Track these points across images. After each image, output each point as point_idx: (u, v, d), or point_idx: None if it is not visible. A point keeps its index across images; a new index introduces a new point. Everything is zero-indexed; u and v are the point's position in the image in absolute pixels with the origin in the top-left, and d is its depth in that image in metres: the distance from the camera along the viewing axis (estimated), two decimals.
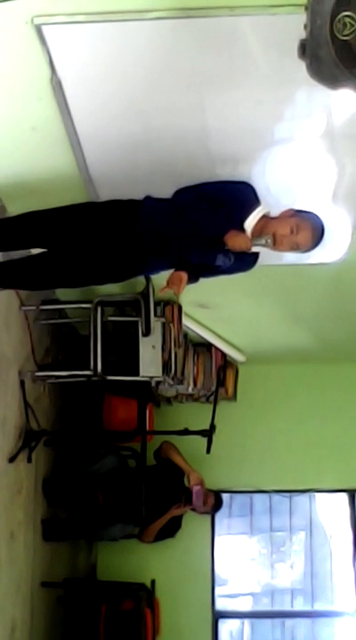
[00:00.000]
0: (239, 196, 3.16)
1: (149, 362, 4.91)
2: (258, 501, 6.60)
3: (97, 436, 5.55)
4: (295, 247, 3.15)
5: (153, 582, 5.77)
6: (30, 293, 4.42)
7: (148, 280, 4.45)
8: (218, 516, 6.11)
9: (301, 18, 2.00)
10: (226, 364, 5.99)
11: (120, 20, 2.63)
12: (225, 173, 3.43)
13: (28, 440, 4.37)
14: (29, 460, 4.41)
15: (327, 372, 6.28)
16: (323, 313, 5.25)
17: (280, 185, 3.55)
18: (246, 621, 6.68)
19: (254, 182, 3.27)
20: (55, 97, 3.05)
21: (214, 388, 5.55)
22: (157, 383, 5.36)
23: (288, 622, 6.63)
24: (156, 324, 4.79)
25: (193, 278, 3.41)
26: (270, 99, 3.00)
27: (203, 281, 3.48)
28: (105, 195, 3.59)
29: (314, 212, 3.20)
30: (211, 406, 4.77)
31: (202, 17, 2.60)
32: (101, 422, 5.51)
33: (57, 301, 4.88)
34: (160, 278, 3.49)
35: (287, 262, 4.12)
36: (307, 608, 6.60)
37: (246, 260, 3.34)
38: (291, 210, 3.18)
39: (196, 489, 5.33)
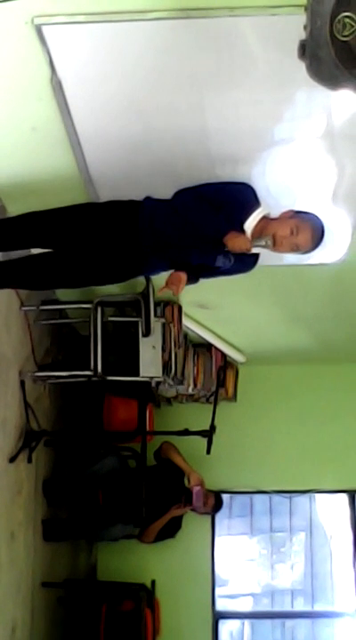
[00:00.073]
0: (239, 197, 3.16)
1: (150, 362, 4.92)
2: (258, 502, 6.60)
3: (97, 436, 5.55)
4: (295, 248, 3.14)
5: (153, 583, 5.77)
6: (30, 293, 4.42)
7: (148, 280, 4.46)
8: (218, 516, 6.11)
9: (301, 18, 2.00)
10: (226, 364, 5.99)
11: (120, 20, 2.63)
12: (225, 174, 3.43)
13: (28, 440, 4.37)
14: (30, 461, 4.41)
15: (328, 373, 6.28)
16: (323, 313, 5.25)
17: (280, 185, 3.55)
18: (247, 622, 6.67)
19: (254, 183, 3.27)
20: (55, 97, 3.05)
21: (214, 389, 5.55)
22: (158, 383, 5.37)
23: (288, 623, 6.63)
24: (156, 325, 4.79)
25: (193, 279, 3.41)
26: (269, 99, 3.00)
27: (203, 281, 3.48)
28: (105, 195, 3.59)
29: (314, 213, 3.19)
30: (211, 407, 4.77)
31: (202, 17, 2.60)
32: (102, 423, 5.51)
33: (57, 302, 4.89)
34: (160, 278, 3.49)
35: (287, 263, 4.12)
36: (307, 609, 6.59)
37: (246, 262, 3.34)
38: (291, 211, 3.18)
39: (196, 489, 5.33)
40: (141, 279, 4.34)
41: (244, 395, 6.15)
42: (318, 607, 6.56)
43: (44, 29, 2.69)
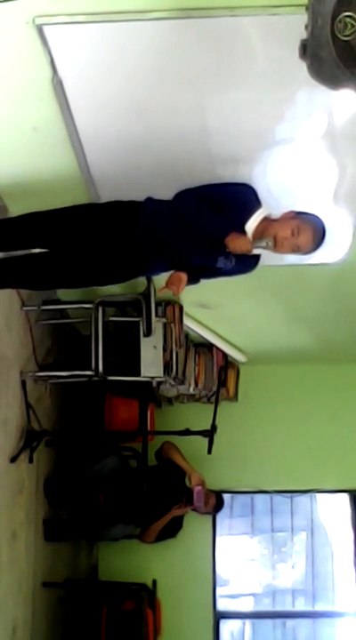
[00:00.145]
0: (240, 199, 3.16)
1: (151, 362, 4.92)
2: (259, 502, 6.60)
3: (98, 436, 5.55)
4: (296, 249, 3.14)
5: (154, 582, 5.77)
6: (31, 293, 4.42)
7: (149, 280, 4.46)
8: (219, 516, 6.11)
9: (302, 18, 1.99)
10: (227, 364, 5.99)
11: (121, 20, 2.63)
12: (226, 174, 3.43)
13: (29, 440, 4.37)
14: (31, 461, 4.41)
15: (329, 373, 6.28)
16: (324, 313, 5.24)
17: (281, 185, 3.55)
18: (248, 622, 6.68)
19: (255, 183, 3.27)
20: (56, 97, 3.05)
21: (215, 389, 5.55)
22: (159, 383, 5.37)
23: (289, 623, 6.63)
24: (157, 325, 4.79)
25: (194, 279, 3.41)
26: (270, 99, 3.00)
27: (204, 281, 3.49)
28: (106, 195, 3.59)
29: (315, 214, 3.19)
30: (212, 406, 4.77)
31: (203, 17, 2.60)
32: (103, 422, 5.51)
33: (58, 302, 4.89)
34: (161, 278, 3.49)
35: (288, 263, 4.12)
36: (308, 608, 6.59)
37: (247, 263, 3.34)
38: (292, 212, 3.17)
39: (197, 489, 5.33)
40: (142, 279, 4.34)
41: (245, 394, 6.16)
42: (319, 607, 6.55)
43: (46, 29, 2.69)
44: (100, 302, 4.63)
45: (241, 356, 6.03)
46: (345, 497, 6.32)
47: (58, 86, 2.98)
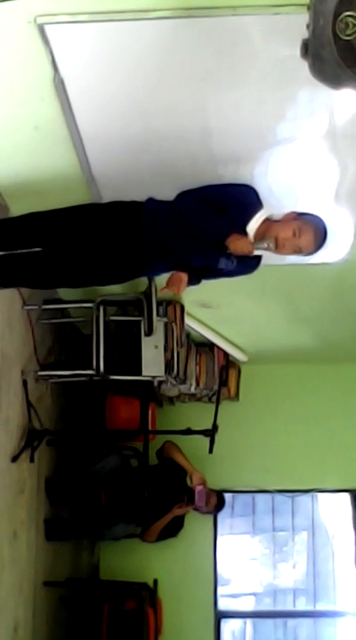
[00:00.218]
0: (242, 200, 3.16)
1: (152, 361, 4.91)
2: (260, 501, 6.60)
3: (99, 435, 5.55)
4: (298, 250, 3.14)
5: (155, 582, 5.78)
6: (33, 292, 4.42)
7: (150, 280, 4.45)
8: (220, 515, 6.11)
9: (303, 17, 2.00)
10: (228, 363, 5.99)
11: (123, 19, 2.63)
12: (227, 173, 3.43)
13: (30, 439, 4.38)
14: (32, 460, 4.41)
15: (330, 372, 6.28)
16: (326, 313, 5.24)
17: (282, 185, 3.55)
18: (249, 621, 6.68)
19: (256, 182, 3.27)
20: (58, 96, 3.05)
21: (216, 388, 5.56)
22: (160, 383, 5.36)
23: (291, 622, 6.63)
24: (158, 324, 4.79)
25: (195, 280, 3.42)
26: (272, 98, 3.00)
27: (205, 282, 3.49)
28: (107, 194, 3.59)
29: (317, 215, 3.19)
30: (213, 406, 4.78)
31: (204, 17, 2.60)
32: (104, 422, 5.52)
33: (59, 301, 4.89)
34: (162, 278, 3.49)
35: (289, 262, 4.12)
36: (309, 608, 6.59)
37: (248, 263, 3.34)
38: (294, 213, 3.17)
39: (198, 489, 5.33)
40: (144, 278, 4.34)
41: (246, 394, 6.16)
42: (320, 606, 6.56)
43: (47, 28, 2.68)
44: (101, 301, 4.63)
45: (242, 356, 6.03)
46: (346, 496, 6.32)
47: (59, 86, 2.98)
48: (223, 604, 6.24)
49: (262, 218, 3.14)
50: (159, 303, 4.86)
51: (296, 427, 6.21)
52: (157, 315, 4.72)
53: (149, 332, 4.62)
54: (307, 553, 6.76)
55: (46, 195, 3.65)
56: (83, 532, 5.43)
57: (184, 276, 3.31)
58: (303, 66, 2.03)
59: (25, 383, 4.37)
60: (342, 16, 1.86)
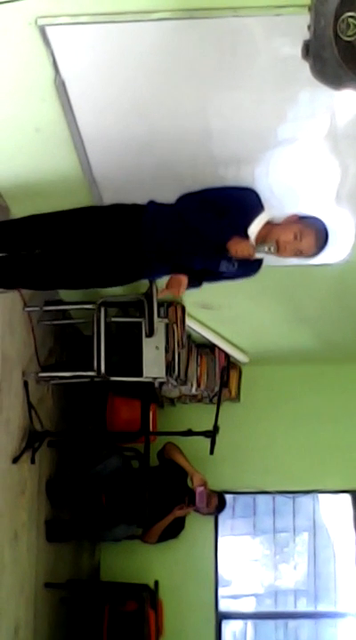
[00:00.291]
0: (243, 202, 3.16)
1: (153, 362, 4.91)
2: (261, 502, 6.59)
3: (100, 436, 5.55)
4: (299, 253, 3.14)
5: (156, 583, 5.77)
6: (34, 294, 4.42)
7: (151, 281, 4.45)
8: (221, 517, 6.11)
9: (305, 18, 1.99)
10: (229, 364, 5.99)
11: (124, 20, 2.63)
12: (228, 175, 3.43)
13: (31, 441, 4.37)
14: (33, 461, 4.41)
15: (331, 373, 6.28)
16: (327, 314, 5.24)
17: (283, 186, 3.55)
18: (250, 622, 6.67)
19: (257, 184, 3.28)
20: (59, 98, 3.05)
21: (217, 389, 5.56)
22: (161, 384, 5.36)
23: (292, 623, 6.62)
24: (159, 325, 4.78)
25: (195, 283, 3.42)
26: (273, 99, 3.00)
27: (206, 284, 3.49)
28: (109, 196, 3.59)
29: (319, 218, 3.19)
30: (214, 407, 4.77)
31: (206, 18, 2.60)
32: (105, 423, 5.51)
33: (60, 302, 4.88)
34: (164, 279, 3.50)
35: (290, 263, 4.09)
36: (310, 609, 6.59)
37: (250, 266, 3.33)
38: (295, 215, 3.17)
39: (199, 490, 5.33)
40: (145, 280, 4.33)
41: (247, 395, 6.15)
42: (321, 607, 6.55)
43: (48, 30, 2.69)
44: (102, 303, 4.62)
45: (243, 357, 6.03)
46: (347, 497, 6.32)
47: (60, 87, 2.98)
48: (224, 606, 6.24)
49: (264, 221, 3.14)
50: (160, 304, 4.85)
51: (297, 428, 6.20)
52: (158, 316, 4.72)
53: (150, 334, 4.62)
54: (308, 554, 6.75)
55: (47, 196, 3.65)
56: (84, 534, 5.43)
57: (184, 279, 3.31)
58: (304, 67, 2.03)
59: (26, 384, 4.37)
60: (343, 17, 1.86)
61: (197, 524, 5.84)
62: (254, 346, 5.96)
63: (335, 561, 6.67)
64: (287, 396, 6.29)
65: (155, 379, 5.03)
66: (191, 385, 5.62)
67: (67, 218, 3.28)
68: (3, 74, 2.95)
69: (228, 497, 5.85)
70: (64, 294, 4.84)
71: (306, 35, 1.98)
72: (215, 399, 5.24)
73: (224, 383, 5.78)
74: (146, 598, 5.50)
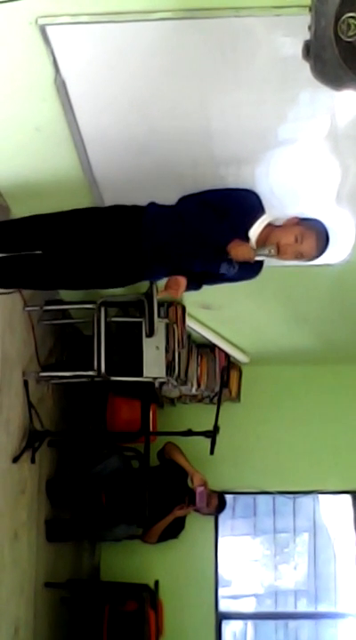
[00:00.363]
0: (244, 205, 3.15)
1: (153, 362, 4.91)
2: (262, 503, 6.59)
3: (100, 436, 5.55)
4: (300, 256, 3.14)
5: (156, 583, 5.77)
6: (34, 294, 4.42)
7: (151, 281, 4.45)
8: (221, 517, 6.11)
9: (305, 19, 1.99)
10: (230, 364, 5.99)
11: (124, 20, 2.63)
12: (228, 175, 3.43)
13: (31, 440, 4.38)
14: (33, 461, 4.41)
15: (331, 374, 6.28)
16: (327, 314, 5.24)
17: (284, 186, 3.55)
18: (250, 623, 6.67)
19: (257, 184, 3.27)
20: (59, 97, 3.05)
21: (217, 389, 5.55)
22: (161, 384, 5.36)
23: (292, 624, 6.62)
24: (159, 325, 4.78)
25: (195, 285, 3.41)
26: (273, 99, 3.00)
27: (207, 286, 3.49)
28: (109, 196, 3.59)
29: (319, 220, 3.18)
30: (214, 407, 4.78)
31: (206, 18, 2.60)
32: (105, 423, 5.51)
33: (61, 302, 4.88)
34: (164, 280, 3.49)
35: (290, 263, 4.10)
36: (311, 609, 6.58)
37: (250, 269, 3.32)
38: (296, 218, 3.16)
39: (199, 490, 5.33)
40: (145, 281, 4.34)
41: (247, 395, 6.15)
42: (321, 608, 6.55)
43: (48, 30, 2.68)
44: (102, 303, 4.63)
45: (244, 357, 6.03)
46: (348, 498, 6.32)
47: (61, 87, 2.98)
48: (224, 606, 6.23)
49: (265, 223, 3.13)
50: (160, 304, 4.84)
51: (298, 428, 6.20)
52: (159, 316, 4.70)
53: (151, 333, 4.61)
54: (308, 554, 6.74)
55: (48, 196, 3.65)
56: (84, 533, 5.43)
57: (182, 280, 3.30)
58: (305, 67, 2.03)
59: (26, 384, 4.37)
60: (343, 17, 1.86)
61: (197, 525, 5.85)
62: (255, 346, 5.96)
63: (335, 561, 6.67)
64: (287, 396, 6.29)
65: (155, 379, 5.03)
66: (191, 385, 5.62)
67: (67, 219, 3.27)
68: (3, 73, 2.95)
69: (228, 497, 5.85)
70: (64, 294, 4.84)
71: (307, 35, 1.98)
72: (216, 399, 5.24)
73: (224, 383, 5.78)
74: (146, 598, 5.50)
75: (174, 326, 5.14)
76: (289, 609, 6.64)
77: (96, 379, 4.68)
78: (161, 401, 5.94)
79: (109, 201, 3.55)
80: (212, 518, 6.03)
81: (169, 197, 3.23)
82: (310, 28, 1.96)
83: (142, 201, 3.26)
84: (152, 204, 3.23)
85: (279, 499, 6.43)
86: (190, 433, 4.86)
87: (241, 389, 6.13)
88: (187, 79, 2.92)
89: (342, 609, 6.43)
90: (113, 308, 4.87)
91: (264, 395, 6.26)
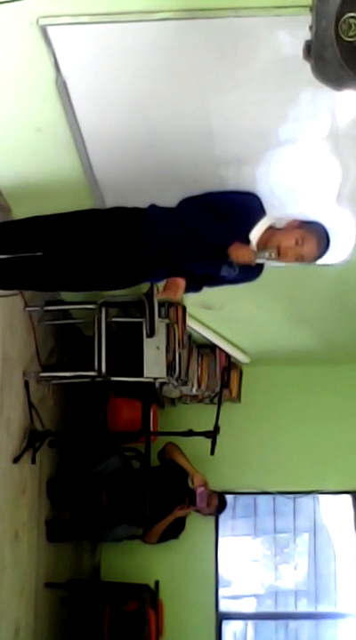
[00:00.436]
0: (245, 207, 3.15)
1: (154, 363, 4.91)
2: (262, 503, 6.59)
3: (101, 436, 5.55)
4: (300, 259, 3.14)
5: (157, 583, 5.77)
6: (35, 294, 4.42)
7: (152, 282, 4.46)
8: (222, 517, 6.11)
9: (306, 19, 2.00)
10: (230, 365, 5.99)
11: (125, 20, 2.64)
12: (229, 175, 3.43)
13: (32, 441, 4.38)
14: (34, 461, 4.41)
15: (332, 374, 6.27)
16: (327, 314, 5.24)
17: (284, 186, 3.55)
18: (250, 623, 6.67)
19: (258, 184, 3.27)
20: (60, 98, 3.05)
21: (218, 390, 5.55)
22: (162, 384, 5.37)
23: (292, 624, 6.62)
24: (160, 325, 4.78)
25: (195, 287, 3.41)
26: (274, 100, 3.00)
27: (207, 288, 3.49)
28: (110, 197, 3.60)
29: (320, 222, 3.18)
30: (215, 407, 4.78)
31: (207, 18, 2.60)
32: (105, 423, 5.51)
33: (61, 302, 4.88)
34: (165, 281, 3.49)
35: (291, 264, 4.12)
36: (311, 610, 6.58)
37: (251, 271, 3.31)
38: (297, 221, 3.16)
39: (200, 490, 5.33)
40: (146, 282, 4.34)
41: (248, 395, 6.14)
42: (321, 608, 6.54)
43: (49, 30, 2.69)
44: (103, 303, 4.63)
45: (244, 357, 6.03)
46: (348, 498, 6.31)
47: (62, 87, 2.98)
48: (225, 606, 6.23)
49: (265, 226, 3.13)
50: (161, 304, 4.85)
51: (298, 428, 6.20)
52: (159, 316, 4.70)
53: (151, 334, 4.60)
54: (308, 554, 6.74)
55: (48, 197, 3.65)
56: (84, 534, 5.43)
57: (181, 282, 3.30)
58: (306, 67, 2.03)
59: (27, 384, 4.37)
60: (344, 17, 1.86)
61: (197, 525, 5.84)
62: (255, 346, 5.96)
63: (335, 562, 6.67)
64: (287, 396, 6.29)
65: (156, 379, 5.04)
66: (192, 385, 5.62)
67: (68, 220, 3.27)
68: (4, 74, 2.95)
69: (228, 497, 5.85)
70: (65, 294, 4.84)
71: (307, 35, 1.99)
72: (216, 399, 5.24)
73: (225, 383, 5.78)
74: (146, 598, 5.50)
75: (175, 326, 5.14)
76: (289, 609, 6.64)
77: (97, 379, 4.68)
78: (162, 401, 5.94)
79: (109, 201, 3.55)
80: (212, 518, 6.02)
81: (170, 198, 3.23)
82: (310, 27, 1.96)
83: (143, 201, 3.26)
84: (153, 207, 3.23)
85: (280, 499, 6.43)
86: (190, 433, 4.86)
87: (242, 390, 6.13)
88: (188, 79, 2.93)
89: (342, 609, 6.42)
90: (114, 308, 4.87)
91: (265, 395, 6.26)
